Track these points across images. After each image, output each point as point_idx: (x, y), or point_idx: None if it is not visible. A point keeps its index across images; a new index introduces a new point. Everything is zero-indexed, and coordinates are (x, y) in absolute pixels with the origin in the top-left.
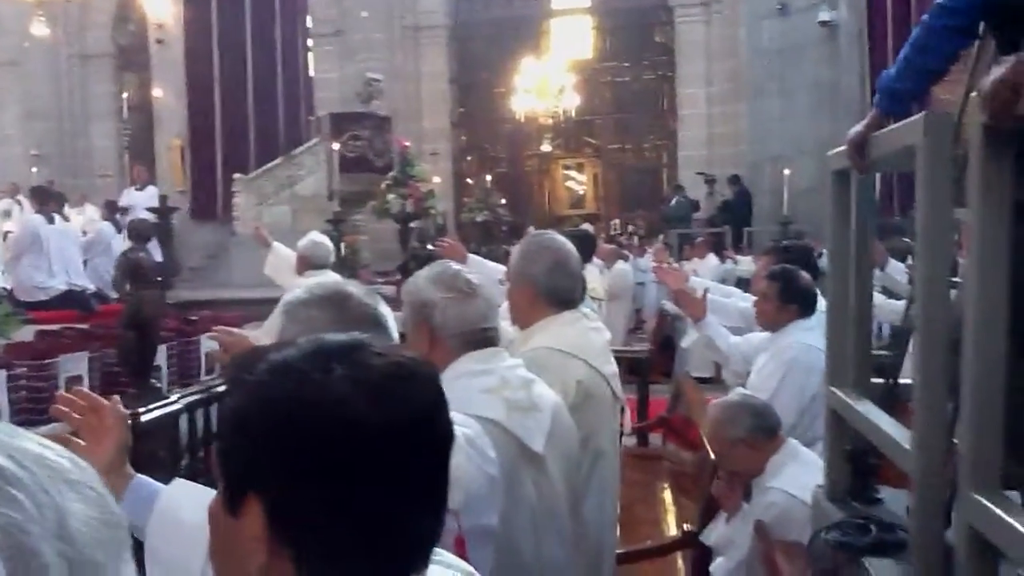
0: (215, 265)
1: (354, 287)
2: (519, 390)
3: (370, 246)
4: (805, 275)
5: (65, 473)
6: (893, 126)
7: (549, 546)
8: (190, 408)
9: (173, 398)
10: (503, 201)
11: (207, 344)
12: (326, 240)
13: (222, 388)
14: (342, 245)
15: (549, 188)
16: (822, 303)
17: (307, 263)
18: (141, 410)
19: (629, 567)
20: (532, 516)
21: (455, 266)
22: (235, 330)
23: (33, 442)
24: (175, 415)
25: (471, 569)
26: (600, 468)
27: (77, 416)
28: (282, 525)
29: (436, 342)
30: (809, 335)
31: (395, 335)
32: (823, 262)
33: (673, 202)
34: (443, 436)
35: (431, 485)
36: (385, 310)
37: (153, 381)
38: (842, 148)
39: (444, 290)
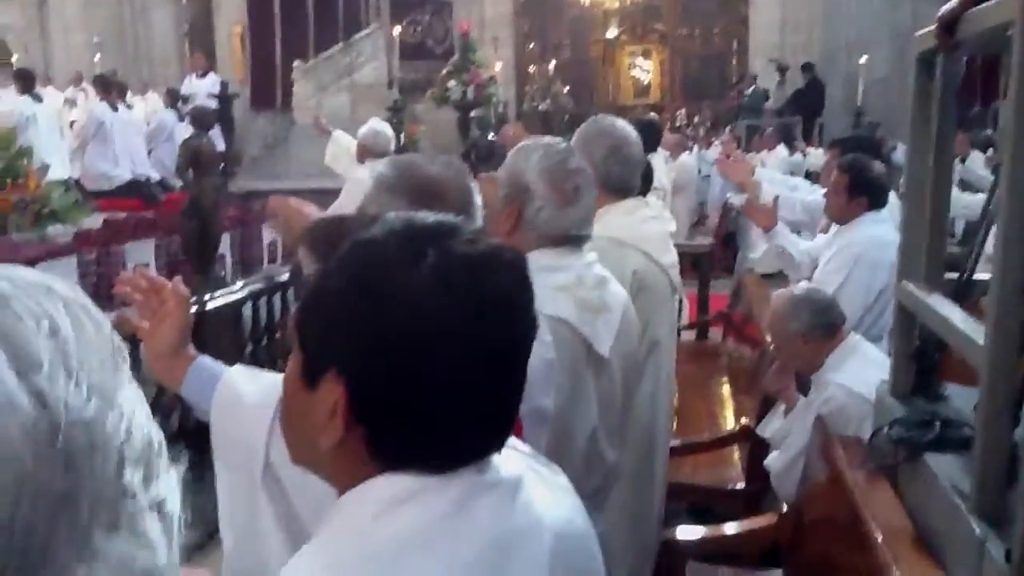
0: (274, 155)
1: (442, 167)
2: (593, 289)
3: (429, 135)
4: (877, 165)
5: (61, 292)
6: (988, 2)
7: (603, 438)
8: (253, 296)
9: (237, 286)
10: (565, 90)
11: (269, 234)
12: (387, 128)
13: (285, 277)
14: (401, 134)
15: (613, 76)
16: (893, 196)
17: (368, 152)
18: (206, 298)
19: (684, 459)
20: (589, 410)
21: (572, 163)
22: (292, 199)
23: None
24: (239, 304)
25: (531, 450)
26: (655, 358)
27: (139, 296)
28: (359, 402)
29: (520, 228)
30: (879, 228)
31: (480, 219)
32: (897, 155)
33: (750, 90)
34: (526, 324)
35: (510, 371)
36: (476, 194)
37: (217, 270)
38: (930, 28)
39: (549, 187)
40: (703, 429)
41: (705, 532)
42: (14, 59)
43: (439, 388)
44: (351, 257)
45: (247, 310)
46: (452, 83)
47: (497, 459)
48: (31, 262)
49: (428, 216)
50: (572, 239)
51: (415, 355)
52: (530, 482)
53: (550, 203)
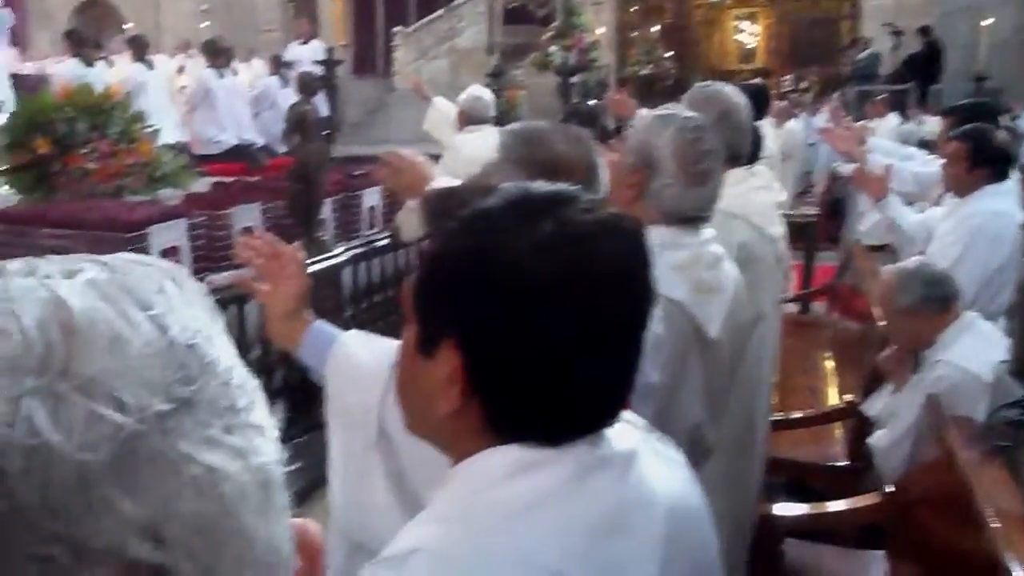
0: (373, 120)
1: (570, 143)
2: (708, 269)
3: (528, 101)
4: (1001, 134)
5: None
6: None
7: (705, 422)
8: (354, 260)
9: (338, 250)
10: (668, 54)
11: (370, 198)
12: (487, 94)
13: (384, 242)
14: (499, 100)
15: (717, 40)
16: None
17: (468, 118)
18: (308, 261)
19: (783, 433)
20: (693, 392)
21: (706, 143)
22: (405, 151)
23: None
24: (339, 267)
25: (645, 424)
26: (759, 331)
27: (259, 260)
28: (475, 372)
29: (641, 200)
30: (1000, 201)
31: (603, 187)
32: (1021, 123)
33: (863, 55)
34: (643, 295)
35: (627, 342)
36: (598, 159)
37: (319, 233)
38: None
39: (680, 165)
40: (805, 404)
41: (806, 509)
42: (127, 27)
43: (554, 358)
44: (468, 225)
45: (347, 274)
46: (554, 48)
47: (612, 432)
48: (145, 223)
49: (545, 185)
50: (693, 219)
51: (530, 324)
52: (645, 456)
53: (677, 181)
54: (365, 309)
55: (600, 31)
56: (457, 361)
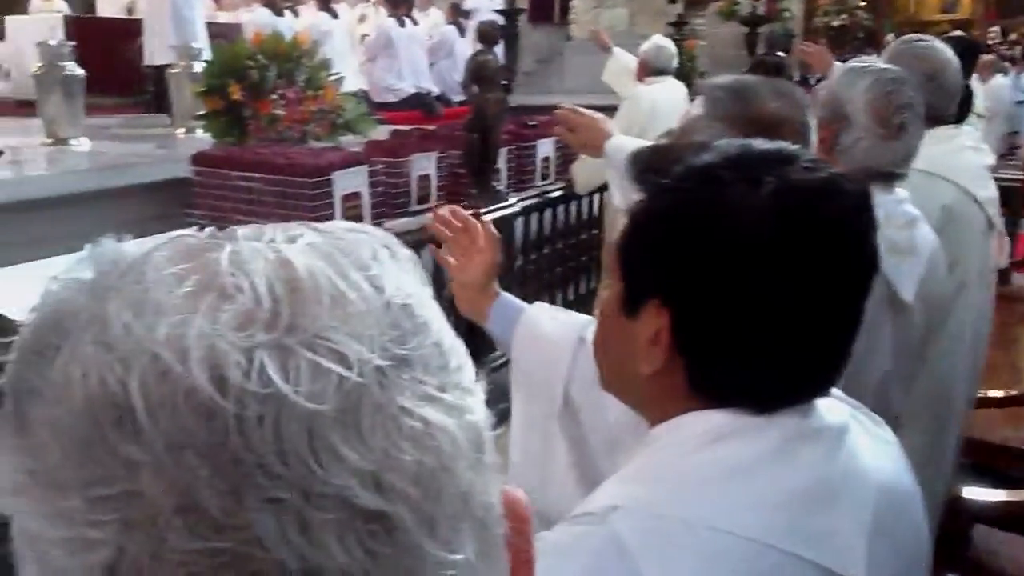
0: (547, 70)
1: (783, 101)
2: (901, 229)
3: (709, 52)
4: None
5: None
6: None
7: (893, 385)
8: (526, 211)
9: (511, 201)
10: (862, 3)
11: (543, 149)
12: (670, 44)
13: (557, 194)
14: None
15: None
16: None
17: (649, 68)
18: (482, 211)
19: (979, 412)
20: (883, 355)
21: (904, 96)
22: (583, 109)
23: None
24: (512, 217)
25: (855, 401)
26: (962, 300)
27: (450, 234)
28: (683, 334)
29: (831, 154)
30: None
31: (813, 146)
32: None
33: None
34: (865, 261)
35: (845, 307)
36: (810, 117)
37: (493, 184)
38: None
39: (873, 118)
40: (1002, 383)
41: (1002, 495)
42: None
43: (769, 320)
44: (683, 182)
45: (519, 224)
46: None
47: (822, 404)
48: (328, 168)
49: (764, 142)
50: (886, 175)
51: (746, 284)
52: (856, 432)
53: (871, 134)
54: (534, 260)
55: None
56: (663, 321)
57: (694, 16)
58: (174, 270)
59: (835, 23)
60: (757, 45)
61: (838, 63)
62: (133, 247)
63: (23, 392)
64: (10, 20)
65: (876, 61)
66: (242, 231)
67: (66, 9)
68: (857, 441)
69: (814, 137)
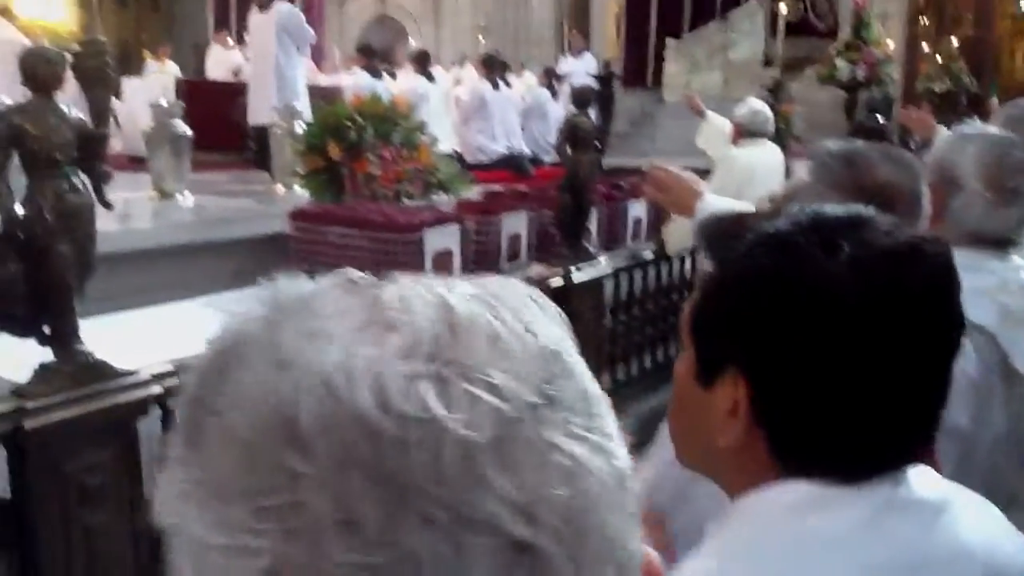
0: (639, 132)
1: (896, 169)
2: (1018, 297)
3: (806, 116)
4: None
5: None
6: None
7: (1008, 459)
8: (617, 272)
9: (602, 261)
10: (965, 67)
11: (635, 210)
12: (765, 108)
13: (648, 256)
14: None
15: (1022, 54)
16: None
17: (744, 132)
18: (573, 270)
19: None
20: (994, 425)
21: (1016, 160)
22: (675, 169)
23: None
24: (602, 278)
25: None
26: None
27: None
28: (762, 404)
29: (941, 220)
30: None
31: (926, 216)
32: None
33: None
34: (952, 321)
35: (931, 373)
36: (924, 187)
37: (585, 243)
38: None
39: (985, 182)
40: None
41: None
42: (411, 43)
43: (851, 388)
44: (758, 249)
45: (609, 283)
46: (840, 61)
47: (915, 474)
48: (420, 226)
49: (838, 208)
50: (1000, 242)
51: (828, 351)
52: (958, 504)
53: (982, 200)
54: (624, 320)
55: (890, 44)
56: (742, 392)
57: (790, 80)
58: (343, 304)
59: (938, 88)
60: (856, 110)
61: (943, 128)
62: (304, 284)
63: (199, 407)
64: (126, 82)
65: (985, 126)
66: (402, 279)
67: (178, 72)
68: (960, 514)
69: (927, 205)
